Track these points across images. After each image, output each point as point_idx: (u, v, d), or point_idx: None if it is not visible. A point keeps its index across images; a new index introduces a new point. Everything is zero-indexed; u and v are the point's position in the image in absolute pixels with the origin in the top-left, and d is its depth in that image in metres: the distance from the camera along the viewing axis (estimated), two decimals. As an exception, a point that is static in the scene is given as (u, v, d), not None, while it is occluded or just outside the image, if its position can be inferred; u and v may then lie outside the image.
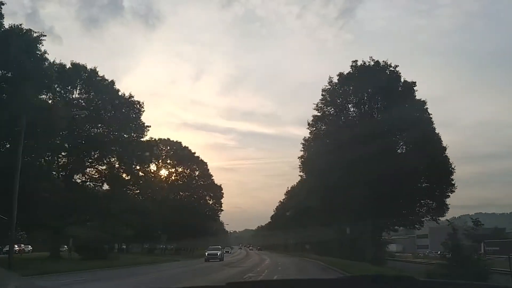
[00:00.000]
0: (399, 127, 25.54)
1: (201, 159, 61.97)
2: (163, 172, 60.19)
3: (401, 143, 27.56)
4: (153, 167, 56.27)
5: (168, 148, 60.34)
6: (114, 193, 37.35)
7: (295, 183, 58.54)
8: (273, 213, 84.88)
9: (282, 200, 76.91)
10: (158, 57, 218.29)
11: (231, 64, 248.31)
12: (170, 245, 57.78)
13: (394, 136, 26.65)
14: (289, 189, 69.70)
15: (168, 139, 60.36)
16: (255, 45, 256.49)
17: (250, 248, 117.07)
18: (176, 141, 60.47)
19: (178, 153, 59.38)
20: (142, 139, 37.22)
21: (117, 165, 37.42)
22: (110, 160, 37.21)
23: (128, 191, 53.50)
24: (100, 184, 37.50)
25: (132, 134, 36.78)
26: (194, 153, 61.68)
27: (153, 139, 57.49)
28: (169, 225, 50.80)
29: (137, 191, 54.25)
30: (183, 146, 60.59)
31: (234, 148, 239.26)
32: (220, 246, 39.72)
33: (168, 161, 60.33)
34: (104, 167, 37.32)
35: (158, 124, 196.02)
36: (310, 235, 46.89)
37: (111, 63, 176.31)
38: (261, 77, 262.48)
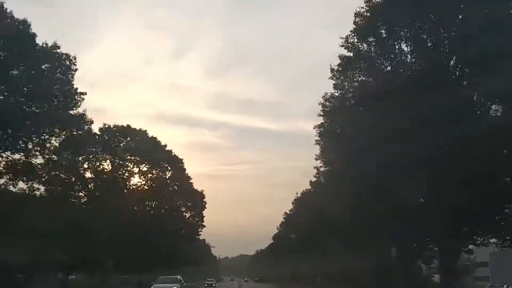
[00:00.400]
0: (488, 73, 18.60)
1: (174, 155, 57.12)
2: (121, 173, 54.72)
3: (491, 103, 20.74)
4: (106, 165, 52.07)
5: (129, 139, 54.16)
6: (33, 198, 31.02)
7: (309, 186, 54.77)
8: (276, 231, 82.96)
9: (288, 212, 73.44)
10: (128, 30, 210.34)
11: (223, 38, 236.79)
12: (125, 274, 51.82)
13: (479, 89, 19.68)
14: (298, 195, 65.08)
15: (128, 126, 53.95)
16: (256, 14, 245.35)
17: (245, 279, 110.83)
18: (140, 130, 54.64)
19: (142, 146, 53.78)
20: (72, 112, 30.31)
21: (37, 153, 30.71)
22: (26, 146, 30.54)
23: (72, 199, 48.07)
24: (12, 182, 30.81)
25: (58, 104, 29.92)
26: (165, 146, 56.37)
27: (106, 126, 52.04)
28: (127, 247, 46.04)
29: (84, 199, 49.63)
30: (149, 136, 55.12)
31: (226, 148, 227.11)
32: (178, 277, 33.02)
33: (128, 157, 54.13)
34: (18, 156, 30.82)
35: (126, 116, 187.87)
36: (329, 260, 43.40)
37: (67, 36, 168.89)
38: (263, 55, 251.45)
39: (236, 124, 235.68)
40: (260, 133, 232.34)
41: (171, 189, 56.94)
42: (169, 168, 56.91)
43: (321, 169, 37.21)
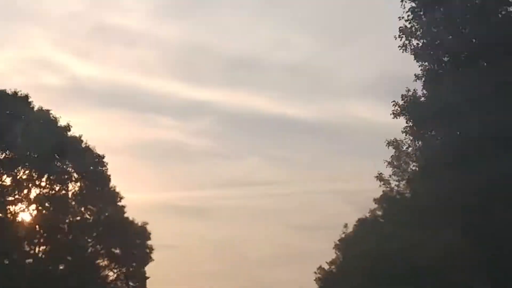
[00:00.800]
0: None
1: (87, 147, 47.60)
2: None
3: None
4: None
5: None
6: None
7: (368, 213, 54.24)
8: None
9: (327, 267, 68.46)
10: None
11: None
12: None
13: None
14: (347, 231, 61.37)
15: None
16: None
17: None
18: (15, 95, 44.84)
19: (18, 129, 44.59)
20: None
21: None
22: None
23: None
24: None
25: None
26: (68, 128, 46.29)
27: None
28: None
29: None
30: (35, 108, 45.79)
31: (206, 154, 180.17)
32: None
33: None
34: None
35: (9, 83, 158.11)
36: None
37: None
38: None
39: (225, 108, 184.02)
40: (271, 125, 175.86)
41: (78, 219, 47.26)
42: (75, 176, 47.03)
43: (406, 139, 33.26)
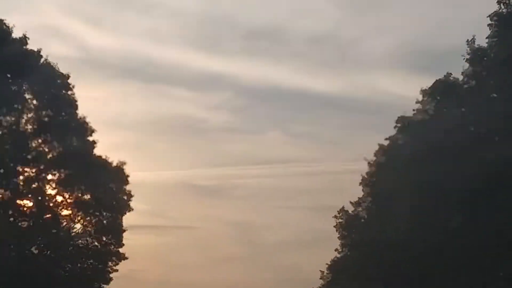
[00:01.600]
0: None
1: (48, 62, 40.26)
2: None
3: None
4: None
5: None
6: None
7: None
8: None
9: (340, 219, 56.96)
10: None
11: None
12: None
13: None
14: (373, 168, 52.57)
15: None
16: None
17: None
18: None
19: None
20: None
21: None
22: None
23: None
24: None
25: None
26: (23, 40, 39.44)
27: None
28: None
29: None
30: None
31: (224, 130, 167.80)
32: None
33: None
34: None
35: None
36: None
37: None
38: None
39: (245, 80, 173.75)
40: (293, 99, 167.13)
41: (35, 155, 40.01)
42: (34, 103, 40.32)
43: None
